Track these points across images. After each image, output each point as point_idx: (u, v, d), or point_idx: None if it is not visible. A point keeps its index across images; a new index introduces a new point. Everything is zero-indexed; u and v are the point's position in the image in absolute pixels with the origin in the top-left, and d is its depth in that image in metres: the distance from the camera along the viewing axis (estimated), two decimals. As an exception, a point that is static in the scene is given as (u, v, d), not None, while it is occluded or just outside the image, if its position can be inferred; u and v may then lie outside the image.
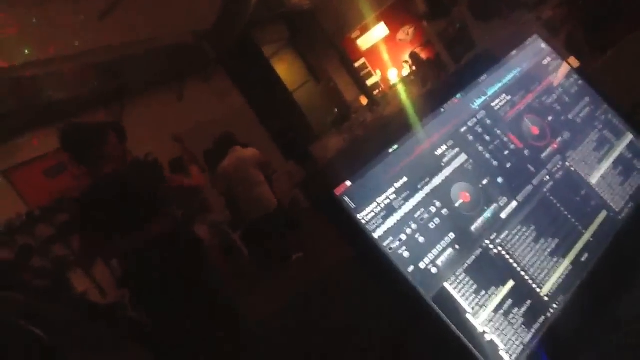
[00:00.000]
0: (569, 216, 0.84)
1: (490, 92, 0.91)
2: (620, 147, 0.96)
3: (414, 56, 8.82)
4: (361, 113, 8.68)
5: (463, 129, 0.86)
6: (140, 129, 8.05)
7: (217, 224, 7.12)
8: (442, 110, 0.86)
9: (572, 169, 0.89)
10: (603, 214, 0.87)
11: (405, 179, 0.77)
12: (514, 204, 0.82)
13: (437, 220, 0.76)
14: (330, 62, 10.56)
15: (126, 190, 2.53)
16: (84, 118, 7.62)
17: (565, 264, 0.80)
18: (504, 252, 0.77)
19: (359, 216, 0.72)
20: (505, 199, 0.82)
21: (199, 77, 9.17)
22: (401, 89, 8.35)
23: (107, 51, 7.40)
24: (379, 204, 0.74)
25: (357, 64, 10.28)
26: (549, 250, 0.80)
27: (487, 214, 0.79)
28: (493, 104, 0.90)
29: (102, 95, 7.63)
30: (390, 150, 0.79)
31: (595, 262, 0.82)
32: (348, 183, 0.74)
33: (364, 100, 9.58)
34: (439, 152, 0.82)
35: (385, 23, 9.55)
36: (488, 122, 0.88)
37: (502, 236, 0.79)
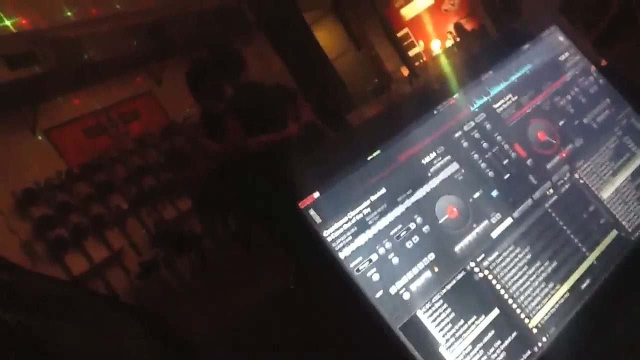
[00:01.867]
0: (572, 236, 0.75)
1: (493, 92, 0.81)
2: (642, 157, 0.85)
3: (458, 27, 8.50)
4: (401, 84, 8.48)
5: (457, 134, 0.77)
6: (179, 92, 8.08)
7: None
8: (435, 111, 0.77)
9: (582, 181, 0.80)
10: (613, 234, 0.77)
11: (383, 191, 0.70)
12: (509, 221, 0.73)
13: (416, 238, 0.68)
14: (372, 31, 10.32)
15: (264, 98, 2.93)
16: (124, 79, 7.70)
17: (562, 291, 0.71)
18: (490, 277, 0.69)
19: (325, 233, 0.65)
20: (498, 215, 0.73)
21: (240, 40, 9.10)
22: (444, 61, 8.09)
23: (148, 13, 7.40)
24: (349, 219, 0.67)
25: (399, 34, 10.00)
26: (544, 275, 0.71)
27: (476, 232, 0.71)
28: (495, 106, 0.81)
29: (142, 56, 7.65)
30: (369, 157, 0.71)
31: (597, 290, 0.73)
32: (316, 194, 0.67)
33: (405, 71, 9.34)
34: (426, 160, 0.74)
35: (430, -8, 9.24)
36: (487, 126, 0.79)
37: (491, 258, 0.70)
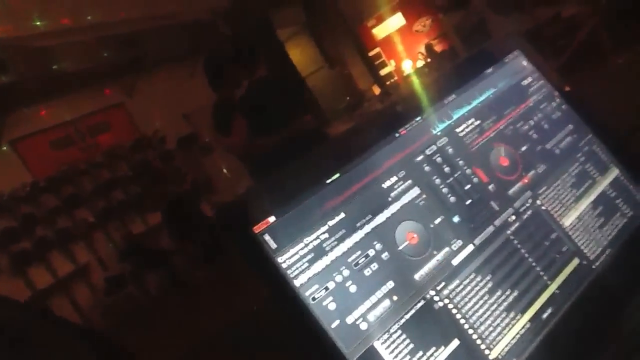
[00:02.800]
0: (534, 264, 0.74)
1: (456, 116, 0.80)
2: (604, 184, 0.84)
3: (429, 48, 8.62)
4: (373, 102, 8.54)
5: (419, 158, 0.75)
6: (151, 105, 8.01)
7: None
8: (397, 135, 0.76)
9: (544, 208, 0.79)
10: (574, 262, 0.76)
11: (342, 215, 0.67)
12: (470, 248, 0.72)
13: (374, 265, 0.66)
14: (345, 49, 10.40)
15: (276, 92, 2.88)
16: (95, 90, 7.60)
17: (523, 321, 0.70)
18: (450, 306, 0.67)
19: (280, 259, 0.63)
20: (459, 242, 0.71)
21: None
22: (414, 81, 8.18)
23: (121, 25, 7.33)
24: (306, 245, 0.64)
25: (371, 53, 10.09)
26: (505, 304, 0.70)
27: (437, 259, 0.69)
28: (458, 130, 0.80)
29: (114, 68, 7.56)
30: (329, 181, 0.69)
31: (559, 320, 0.71)
32: (272, 218, 0.64)
33: (376, 90, 9.42)
34: (387, 184, 0.72)
35: (402, 13, 9.36)
36: (450, 150, 0.77)
37: (451, 286, 0.68)
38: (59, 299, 6.33)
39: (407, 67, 9.30)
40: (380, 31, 9.82)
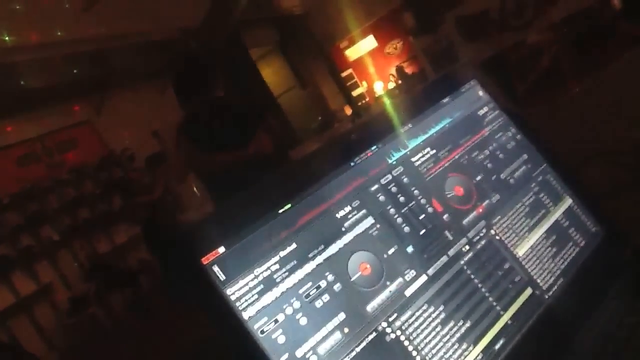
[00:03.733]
0: (487, 294, 0.74)
1: (412, 145, 0.81)
2: (557, 214, 0.85)
3: (399, 70, 8.76)
4: (344, 123, 8.59)
5: (374, 188, 0.75)
6: (120, 122, 7.92)
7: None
8: (352, 163, 0.75)
9: (498, 237, 0.79)
10: (527, 292, 0.77)
11: (294, 246, 0.67)
12: (423, 278, 0.71)
13: (326, 297, 0.65)
14: (317, 70, 10.48)
15: (229, 110, 2.82)
16: (62, 107, 7.49)
17: (475, 352, 0.69)
18: (402, 337, 0.67)
19: (228, 291, 0.61)
20: (413, 273, 0.71)
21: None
22: (385, 101, 8.26)
23: (90, 42, 7.26)
24: (256, 276, 0.63)
25: (344, 74, 10.20)
26: (457, 335, 0.69)
27: (389, 290, 0.69)
28: (414, 159, 0.80)
29: (82, 86, 7.48)
30: (281, 210, 0.68)
31: (511, 350, 0.71)
32: (221, 249, 0.63)
33: (348, 111, 9.49)
34: (340, 214, 0.71)
35: (374, 35, 9.49)
36: (405, 180, 0.77)
37: (403, 318, 0.68)
38: (20, 320, 6.16)
39: (379, 88, 9.41)
40: (352, 53, 9.93)
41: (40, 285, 6.47)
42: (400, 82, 8.72)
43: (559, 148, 0.93)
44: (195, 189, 7.67)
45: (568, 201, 0.88)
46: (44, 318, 6.42)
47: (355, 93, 10.16)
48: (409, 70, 8.87)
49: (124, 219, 7.18)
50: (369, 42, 9.63)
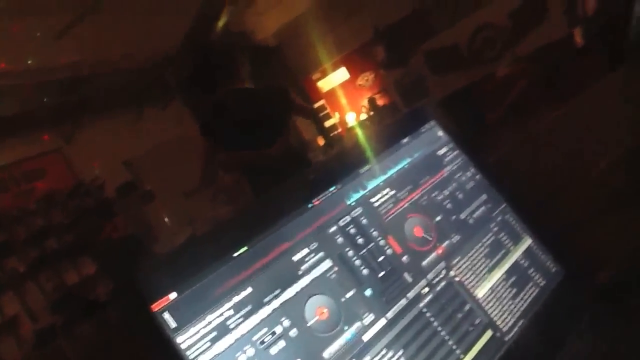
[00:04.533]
0: (447, 337, 0.73)
1: (371, 186, 0.80)
2: (517, 254, 0.86)
3: (371, 102, 8.85)
4: (317, 153, 8.62)
5: (332, 229, 0.74)
6: (91, 151, 7.82)
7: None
8: (310, 205, 0.75)
9: (457, 279, 0.79)
10: (488, 334, 0.76)
11: (249, 290, 0.65)
12: (382, 322, 0.70)
13: (282, 343, 0.64)
14: (290, 100, 10.52)
15: (257, 108, 2.57)
16: (31, 135, 7.38)
17: (434, 398, 0.68)
18: (360, 384, 0.65)
19: (179, 339, 0.59)
20: (371, 316, 0.70)
21: (156, 102, 9.01)
22: (358, 132, 8.32)
23: (61, 70, 7.19)
24: (209, 323, 0.61)
25: (316, 105, 10.26)
26: (416, 380, 0.68)
27: (347, 335, 0.68)
28: (373, 200, 0.79)
29: (52, 114, 7.39)
30: (235, 254, 0.66)
31: (471, 396, 0.71)
32: (173, 295, 0.61)
33: (320, 141, 9.53)
34: (297, 257, 0.70)
35: (346, 68, 9.59)
36: (364, 221, 0.77)
37: (361, 363, 0.67)
38: (-17, 353, 5.95)
39: (351, 119, 9.48)
40: (325, 84, 10.02)
41: (5, 318, 6.26)
42: (372, 113, 8.81)
43: (519, 186, 0.94)
44: (166, 218, 7.60)
45: (528, 241, 0.88)
46: (9, 352, 6.20)
47: (327, 124, 10.22)
48: (380, 102, 8.97)
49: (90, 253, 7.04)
50: (341, 74, 9.73)
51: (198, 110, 2.75)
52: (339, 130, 9.92)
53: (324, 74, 9.96)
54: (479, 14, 6.57)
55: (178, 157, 8.34)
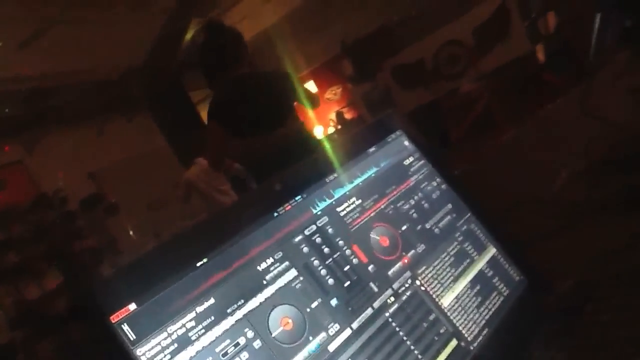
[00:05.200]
0: (412, 347, 0.73)
1: (337, 195, 0.80)
2: (481, 263, 0.86)
3: (339, 115, 8.92)
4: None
5: (298, 238, 0.73)
6: (54, 163, 7.67)
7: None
8: (276, 214, 0.74)
9: (423, 288, 0.79)
10: (453, 344, 0.76)
11: (212, 301, 0.64)
12: (347, 332, 0.69)
13: (245, 355, 0.62)
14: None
15: (264, 92, 2.57)
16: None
17: (400, 408, 0.68)
18: (325, 396, 0.64)
19: (138, 351, 0.57)
20: (337, 326, 0.69)
21: (121, 114, 8.91)
22: (325, 142, 8.35)
23: (25, 80, 7.05)
24: (170, 335, 0.60)
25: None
26: (382, 391, 0.68)
27: (312, 345, 0.66)
28: (339, 209, 0.79)
29: (13, 125, 7.23)
30: (198, 264, 0.65)
31: (436, 406, 0.70)
32: (132, 306, 0.59)
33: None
34: (262, 266, 0.69)
35: (314, 81, 9.65)
36: (330, 230, 0.76)
37: (326, 374, 0.66)
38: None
39: (319, 132, 9.52)
40: (293, 97, 10.05)
41: (-38, 335, 6.06)
42: (339, 127, 8.87)
43: (483, 197, 0.95)
44: (131, 231, 7.47)
45: (492, 250, 0.89)
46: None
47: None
48: (348, 115, 9.05)
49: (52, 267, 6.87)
50: (309, 88, 9.81)
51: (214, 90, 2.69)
52: (307, 143, 9.92)
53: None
54: (444, 30, 6.70)
55: (143, 170, 8.25)
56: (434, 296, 0.79)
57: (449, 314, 0.78)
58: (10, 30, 6.41)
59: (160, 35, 8.40)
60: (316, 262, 0.73)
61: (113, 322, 0.58)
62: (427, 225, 0.85)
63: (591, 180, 1.24)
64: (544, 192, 1.29)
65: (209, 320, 0.62)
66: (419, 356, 0.72)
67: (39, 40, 6.73)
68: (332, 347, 0.67)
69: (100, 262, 6.71)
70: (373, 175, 0.85)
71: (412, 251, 0.81)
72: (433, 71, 6.55)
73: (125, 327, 0.58)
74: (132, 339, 0.58)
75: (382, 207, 0.83)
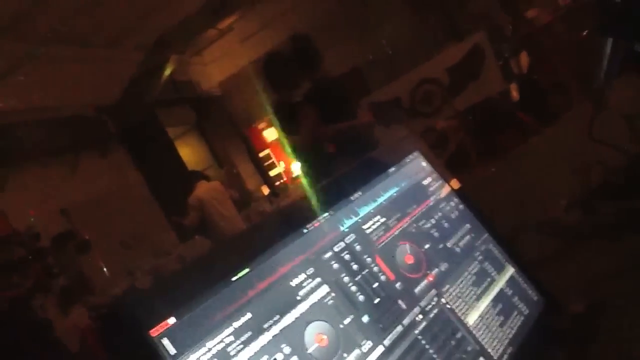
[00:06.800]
0: (442, 365, 0.72)
1: (362, 213, 0.80)
2: (501, 282, 0.87)
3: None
4: (260, 202, 8.58)
5: (327, 255, 0.73)
6: (26, 200, 7.49)
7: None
8: (305, 230, 0.73)
9: (448, 306, 0.78)
10: (480, 362, 0.76)
11: (248, 316, 0.62)
12: (380, 349, 0.69)
13: (283, 371, 0.61)
14: (234, 150, 10.54)
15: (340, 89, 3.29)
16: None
17: None
18: (362, 413, 0.63)
19: (180, 366, 0.56)
20: (369, 343, 0.68)
21: (96, 150, 8.81)
22: (303, 182, 8.36)
23: (-5, 115, 6.95)
24: (209, 350, 0.58)
25: (261, 154, 10.30)
26: (417, 409, 0.67)
27: (347, 362, 0.66)
28: (365, 227, 0.79)
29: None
30: (234, 279, 0.64)
31: None
32: (171, 320, 0.58)
33: (265, 190, 9.52)
34: (295, 282, 0.68)
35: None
36: (357, 247, 0.76)
37: (363, 392, 0.65)
38: None
39: (297, 168, 9.54)
40: (270, 133, 10.08)
41: None
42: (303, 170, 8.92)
43: (497, 219, 0.96)
44: (104, 268, 7.30)
45: (510, 270, 0.89)
46: None
47: (272, 173, 10.25)
48: (330, 149, 9.11)
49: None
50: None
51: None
52: (284, 179, 9.95)
53: (270, 124, 10.04)
54: (419, 69, 6.85)
55: (117, 206, 8.11)
56: (459, 314, 0.78)
57: (474, 332, 0.78)
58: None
59: (138, 71, 8.41)
60: (346, 279, 0.72)
61: (153, 336, 0.56)
62: (449, 244, 0.86)
63: (591, 204, 1.27)
64: (545, 215, 1.32)
65: (246, 335, 0.61)
66: (449, 374, 0.72)
67: (14, 75, 6.68)
68: (366, 364, 0.67)
69: (72, 300, 6.52)
70: (395, 194, 0.86)
71: (436, 269, 0.81)
72: (409, 109, 6.66)
73: (165, 342, 0.56)
74: (172, 353, 0.56)
75: (405, 225, 0.83)
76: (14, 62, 6.79)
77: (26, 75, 6.89)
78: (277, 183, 10.08)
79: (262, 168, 10.42)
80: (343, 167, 0.75)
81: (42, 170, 7.85)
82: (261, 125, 10.19)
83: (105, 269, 7.51)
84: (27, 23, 6.32)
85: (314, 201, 0.76)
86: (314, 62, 3.19)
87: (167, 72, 8.62)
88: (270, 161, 10.28)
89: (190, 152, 10.13)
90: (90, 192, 8.29)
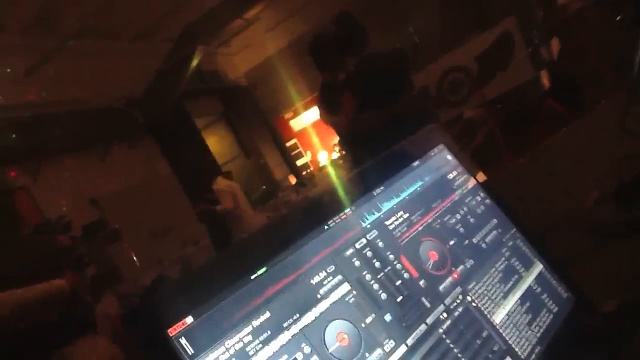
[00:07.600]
0: (468, 365, 0.70)
1: (385, 208, 0.78)
2: (529, 279, 0.84)
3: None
4: (287, 192, 8.60)
5: (349, 252, 0.71)
6: (57, 191, 7.64)
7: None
8: (326, 227, 0.72)
9: (474, 304, 0.76)
10: (507, 362, 0.73)
11: (267, 315, 0.61)
12: (403, 348, 0.67)
13: (303, 371, 0.60)
14: (262, 140, 10.58)
15: (384, 68, 2.97)
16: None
17: None
18: (384, 415, 0.62)
19: (198, 366, 0.55)
20: (392, 342, 0.67)
21: (125, 142, 8.92)
22: (330, 171, 8.35)
23: (30, 107, 7.08)
24: (227, 349, 0.57)
25: (288, 144, 10.32)
26: (440, 410, 0.65)
27: (369, 362, 0.64)
28: (387, 223, 0.77)
29: (19, 151, 7.23)
30: (253, 276, 0.63)
31: None
32: (189, 319, 0.57)
33: (292, 180, 9.54)
34: (315, 280, 0.67)
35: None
36: (380, 244, 0.74)
37: (384, 392, 0.63)
38: None
39: (323, 158, 9.53)
40: (297, 123, 10.10)
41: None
42: (343, 152, 8.88)
43: (524, 214, 0.93)
44: (134, 257, 7.41)
45: (539, 266, 0.87)
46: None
47: (299, 162, 10.26)
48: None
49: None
50: (312, 114, 9.83)
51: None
52: (311, 168, 9.95)
53: (296, 114, 10.04)
54: (447, 57, 6.75)
55: (146, 196, 8.21)
56: (485, 312, 0.76)
57: (501, 330, 0.76)
58: (16, 59, 6.48)
59: (165, 62, 8.48)
60: (368, 276, 0.71)
61: (171, 335, 0.55)
62: (474, 240, 0.83)
63: (623, 199, 1.23)
64: (575, 209, 1.28)
65: (265, 335, 0.60)
66: (475, 374, 0.70)
67: (45, 68, 6.80)
68: (388, 364, 0.65)
69: (102, 289, 6.63)
70: (419, 188, 0.84)
71: (461, 266, 0.79)
72: (436, 97, 6.58)
73: (183, 341, 0.56)
74: (190, 353, 0.55)
75: (429, 221, 0.81)
76: (45, 55, 6.90)
77: (57, 68, 7.01)
78: (304, 173, 10.08)
79: (289, 158, 10.44)
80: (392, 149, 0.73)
81: (73, 162, 7.99)
82: (288, 115, 10.20)
83: (135, 258, 7.63)
84: (57, 17, 6.42)
85: (335, 196, 0.75)
86: (361, 39, 3.07)
87: (194, 63, 8.66)
88: (297, 151, 10.29)
89: (217, 142, 10.21)
90: (119, 182, 8.41)
